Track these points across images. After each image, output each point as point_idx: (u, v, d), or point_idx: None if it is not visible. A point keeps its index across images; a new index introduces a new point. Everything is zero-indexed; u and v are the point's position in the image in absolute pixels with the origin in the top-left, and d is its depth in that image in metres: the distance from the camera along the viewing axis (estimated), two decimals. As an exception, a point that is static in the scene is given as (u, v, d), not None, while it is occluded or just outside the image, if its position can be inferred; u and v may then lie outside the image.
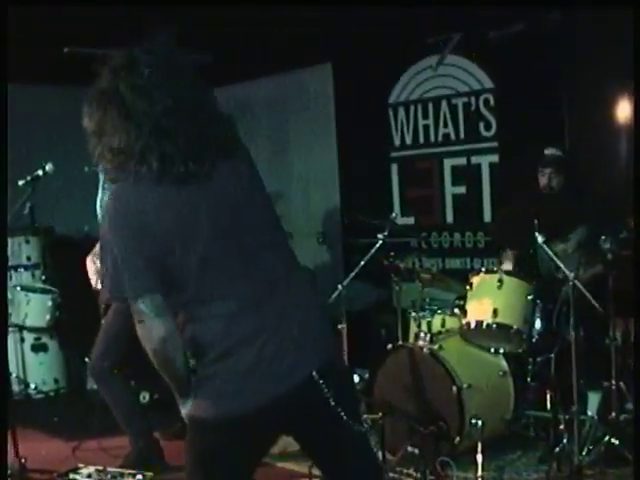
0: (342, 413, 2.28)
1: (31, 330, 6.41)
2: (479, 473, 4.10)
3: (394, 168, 6.86)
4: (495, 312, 4.54)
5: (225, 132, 2.28)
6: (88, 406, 5.49)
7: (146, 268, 2.18)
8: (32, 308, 6.32)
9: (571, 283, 4.18)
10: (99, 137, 2.19)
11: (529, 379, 4.75)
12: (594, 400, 4.59)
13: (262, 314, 2.24)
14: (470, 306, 4.67)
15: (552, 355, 4.41)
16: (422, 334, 4.68)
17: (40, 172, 4.88)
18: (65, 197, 7.41)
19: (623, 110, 5.35)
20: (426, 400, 4.47)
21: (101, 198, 4.43)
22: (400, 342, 4.89)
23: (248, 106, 7.66)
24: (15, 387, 6.27)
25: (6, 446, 4.08)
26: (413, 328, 4.99)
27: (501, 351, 4.72)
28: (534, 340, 4.62)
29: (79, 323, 5.73)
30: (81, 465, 4.61)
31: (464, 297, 4.80)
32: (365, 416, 4.05)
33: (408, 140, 6.73)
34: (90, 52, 2.67)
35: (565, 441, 4.21)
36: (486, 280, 4.68)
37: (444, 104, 6.45)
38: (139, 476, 4.40)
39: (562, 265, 4.27)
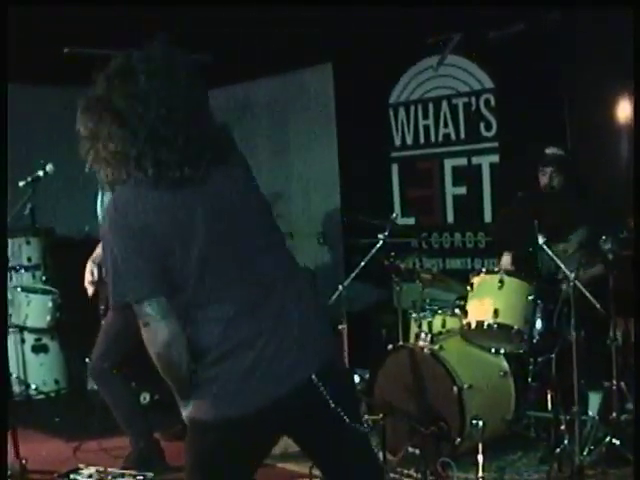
0: (342, 414, 2.28)
1: (32, 331, 6.40)
2: (480, 474, 4.08)
3: (394, 168, 6.86)
4: (496, 312, 4.54)
5: (220, 136, 2.28)
6: (89, 407, 5.50)
7: (146, 268, 2.18)
8: (33, 309, 6.32)
9: (572, 283, 4.18)
10: (93, 142, 2.20)
11: (530, 379, 4.75)
12: (595, 400, 4.58)
13: (258, 318, 2.24)
14: (471, 306, 4.67)
15: (553, 355, 4.40)
16: (423, 334, 4.68)
17: (40, 173, 4.88)
18: (65, 198, 7.41)
19: (623, 110, 5.34)
20: (427, 400, 4.46)
21: (101, 199, 4.44)
22: (401, 342, 4.89)
23: (248, 106, 7.65)
24: (16, 388, 6.26)
25: (6, 447, 4.07)
26: (414, 328, 4.99)
27: (502, 351, 4.73)
28: (535, 340, 4.61)
29: (79, 324, 5.72)
30: (82, 466, 4.60)
31: (465, 297, 4.81)
32: (366, 417, 4.05)
33: (409, 140, 6.73)
34: (90, 52, 2.67)
35: (566, 441, 4.21)
36: (487, 280, 4.68)
37: (444, 104, 6.45)
38: (140, 477, 4.40)
39: (563, 265, 4.28)
